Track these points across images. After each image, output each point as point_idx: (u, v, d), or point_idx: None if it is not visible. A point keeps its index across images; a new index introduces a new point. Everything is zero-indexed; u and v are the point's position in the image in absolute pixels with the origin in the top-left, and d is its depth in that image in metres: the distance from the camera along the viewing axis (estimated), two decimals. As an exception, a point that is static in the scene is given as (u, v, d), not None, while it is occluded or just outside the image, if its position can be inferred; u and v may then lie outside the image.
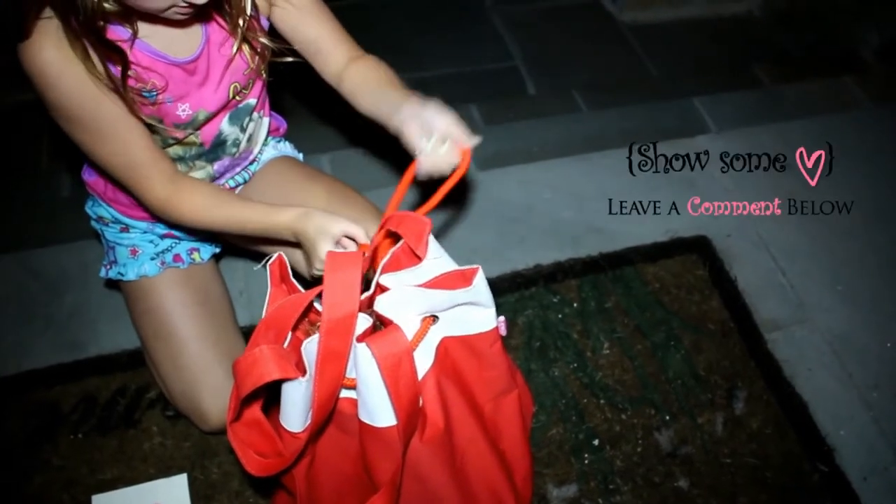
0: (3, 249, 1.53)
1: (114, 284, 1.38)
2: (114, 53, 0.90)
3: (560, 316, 1.48)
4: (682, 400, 1.38)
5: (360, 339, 0.82)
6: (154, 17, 0.92)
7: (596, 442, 1.32)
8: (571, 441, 1.32)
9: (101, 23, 0.88)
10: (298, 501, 0.99)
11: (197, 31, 1.00)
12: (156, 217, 1.12)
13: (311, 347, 0.83)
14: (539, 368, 1.40)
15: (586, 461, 1.30)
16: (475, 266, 0.91)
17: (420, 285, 0.90)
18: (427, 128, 0.95)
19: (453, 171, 0.96)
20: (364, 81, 1.09)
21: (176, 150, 1.10)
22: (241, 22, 1.00)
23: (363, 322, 0.85)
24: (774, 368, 1.44)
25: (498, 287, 1.50)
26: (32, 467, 1.24)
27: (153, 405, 1.32)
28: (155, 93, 0.98)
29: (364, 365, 0.82)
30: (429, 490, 0.97)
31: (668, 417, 1.36)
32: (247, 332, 1.30)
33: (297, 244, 1.01)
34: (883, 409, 1.41)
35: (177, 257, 1.23)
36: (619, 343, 1.45)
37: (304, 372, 0.83)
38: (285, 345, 0.87)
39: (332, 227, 0.95)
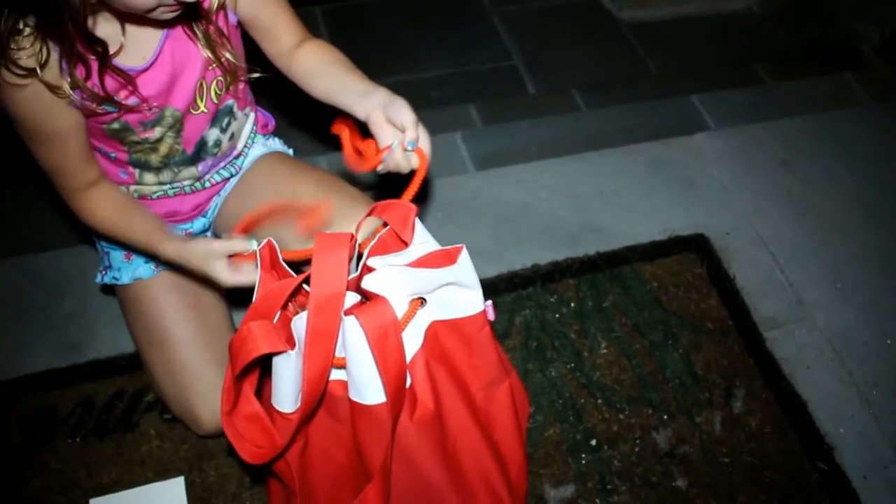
0: (2, 253, 1.54)
1: (109, 290, 1.38)
2: (95, 47, 0.90)
3: (557, 316, 1.48)
4: (681, 399, 1.38)
5: (348, 312, 0.83)
6: (126, 20, 0.93)
7: (593, 442, 1.32)
8: (569, 441, 1.32)
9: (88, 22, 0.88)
10: (294, 490, 0.99)
11: (158, 33, 0.99)
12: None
13: (300, 323, 0.84)
14: (536, 368, 1.40)
15: (584, 461, 1.30)
16: (459, 245, 0.92)
17: (406, 265, 0.90)
18: (391, 121, 0.98)
19: (412, 173, 0.98)
20: (318, 65, 1.11)
21: (159, 159, 1.11)
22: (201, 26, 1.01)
23: (351, 300, 0.86)
24: (773, 367, 1.43)
25: (495, 287, 1.50)
26: (30, 471, 1.25)
27: (151, 408, 1.32)
28: (116, 104, 0.98)
29: (352, 338, 0.82)
30: (421, 476, 0.97)
31: (666, 417, 1.36)
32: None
33: None
34: (883, 407, 1.40)
35: None
36: (616, 342, 1.45)
37: (293, 346, 0.84)
38: (274, 321, 0.87)
39: (216, 247, 0.98)
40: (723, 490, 1.28)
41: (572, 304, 1.50)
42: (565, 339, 1.44)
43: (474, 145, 1.82)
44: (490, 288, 1.48)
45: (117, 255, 1.23)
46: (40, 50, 0.88)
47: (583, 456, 1.30)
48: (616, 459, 1.31)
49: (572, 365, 1.41)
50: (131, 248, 1.19)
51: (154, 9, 0.87)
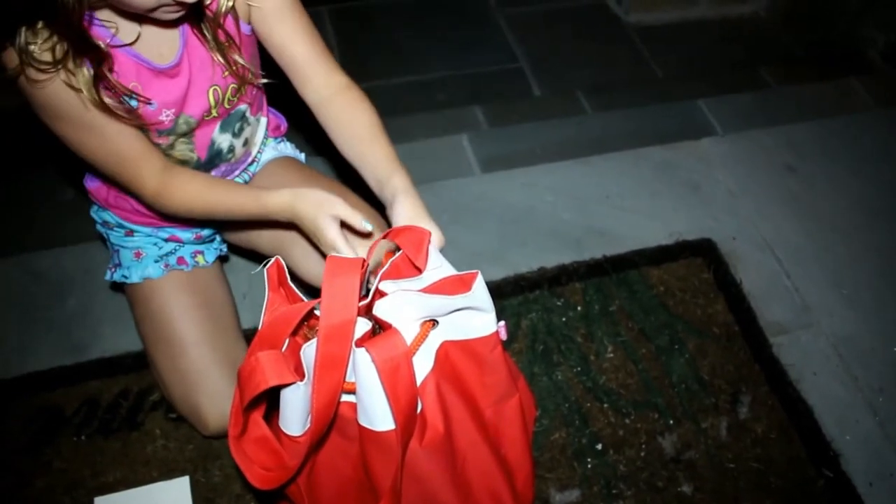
0: (5, 252, 1.54)
1: (118, 287, 1.38)
2: (92, 52, 0.89)
3: (564, 319, 1.47)
4: (686, 404, 1.38)
5: (359, 343, 0.82)
6: (140, 18, 0.92)
7: (599, 446, 1.32)
8: (574, 445, 1.32)
9: (85, 21, 0.87)
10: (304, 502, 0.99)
11: (175, 35, 0.99)
12: (157, 215, 1.13)
13: (309, 351, 0.83)
14: (542, 372, 1.40)
15: (589, 466, 1.30)
16: (474, 271, 0.91)
17: (419, 291, 0.89)
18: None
19: None
20: (348, 125, 1.08)
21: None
22: (209, 27, 1.00)
23: (362, 326, 0.85)
24: (779, 372, 1.43)
25: (501, 290, 1.50)
26: (34, 470, 1.24)
27: (156, 408, 1.32)
28: (136, 98, 0.97)
29: (363, 369, 0.81)
30: (429, 494, 0.97)
31: (671, 422, 1.35)
32: (250, 336, 1.30)
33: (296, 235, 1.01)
34: (889, 414, 1.40)
35: (181, 260, 1.23)
36: (622, 347, 1.44)
37: (302, 376, 0.83)
38: (283, 349, 0.87)
39: (331, 207, 0.96)
40: (728, 496, 1.28)
41: (579, 308, 1.49)
42: (571, 343, 1.44)
43: (480, 147, 1.82)
44: (496, 291, 1.48)
45: (127, 254, 1.23)
46: (56, 43, 0.87)
47: (588, 460, 1.30)
48: (621, 464, 1.30)
49: (578, 369, 1.41)
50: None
51: (154, 9, 0.87)
